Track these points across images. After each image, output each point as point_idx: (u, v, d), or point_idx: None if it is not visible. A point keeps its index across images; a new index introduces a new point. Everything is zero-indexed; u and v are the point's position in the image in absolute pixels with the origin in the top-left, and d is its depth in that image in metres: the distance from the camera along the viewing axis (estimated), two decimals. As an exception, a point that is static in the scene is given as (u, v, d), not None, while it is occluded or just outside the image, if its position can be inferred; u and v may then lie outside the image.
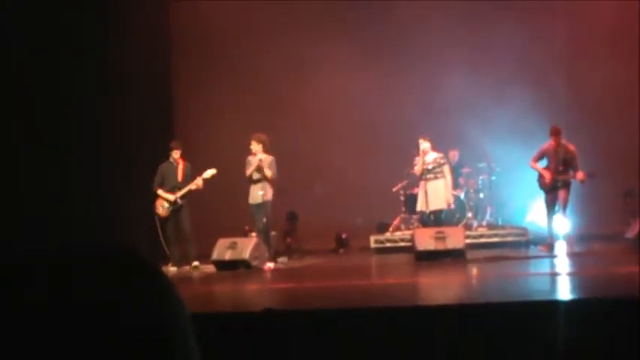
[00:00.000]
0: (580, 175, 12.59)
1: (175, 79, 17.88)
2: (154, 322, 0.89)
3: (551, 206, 12.95)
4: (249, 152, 13.16)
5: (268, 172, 12.96)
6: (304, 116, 16.91)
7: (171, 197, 13.31)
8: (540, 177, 12.94)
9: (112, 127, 14.31)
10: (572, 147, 12.79)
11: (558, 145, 12.71)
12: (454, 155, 16.04)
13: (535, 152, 13.00)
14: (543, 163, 12.97)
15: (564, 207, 12.83)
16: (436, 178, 13.50)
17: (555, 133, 12.73)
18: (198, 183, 13.26)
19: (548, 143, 12.86)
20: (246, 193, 13.25)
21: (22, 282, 0.85)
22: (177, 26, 17.81)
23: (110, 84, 14.29)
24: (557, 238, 13.13)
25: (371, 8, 16.99)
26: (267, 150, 13.11)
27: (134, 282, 0.91)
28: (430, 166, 13.48)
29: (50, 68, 12.86)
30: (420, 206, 13.75)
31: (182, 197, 13.31)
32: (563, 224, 13.08)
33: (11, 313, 0.83)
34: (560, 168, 12.72)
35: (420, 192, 13.80)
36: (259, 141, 13.06)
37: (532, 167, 13.03)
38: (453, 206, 14.41)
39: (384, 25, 16.89)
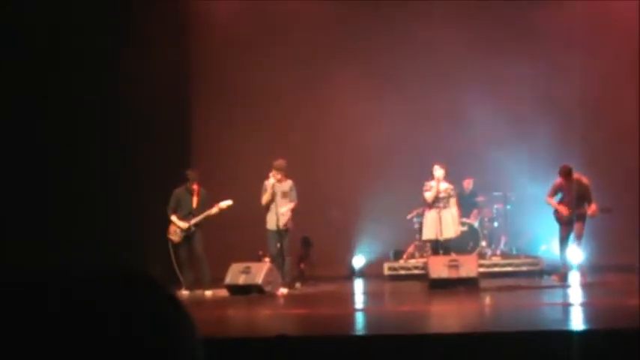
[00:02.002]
0: (592, 209, 12.58)
1: (194, 104, 17.96)
2: (164, 346, 0.91)
3: (565, 238, 12.93)
4: (263, 177, 13.21)
5: (292, 197, 13.11)
6: (320, 142, 16.94)
7: (184, 225, 13.34)
8: (557, 211, 12.92)
9: (127, 151, 14.38)
10: (585, 180, 12.78)
11: (571, 179, 12.70)
12: (469, 183, 16.03)
13: (549, 188, 13.01)
14: (558, 196, 12.98)
15: (579, 239, 12.80)
16: (445, 207, 13.43)
17: (565, 173, 12.72)
18: (213, 211, 13.31)
19: (561, 178, 12.87)
20: (259, 218, 13.29)
21: (39, 300, 0.89)
22: (198, 52, 17.91)
23: (129, 109, 14.38)
24: (570, 269, 13.11)
25: (389, 35, 17.03)
26: (286, 175, 13.20)
27: (148, 305, 0.93)
28: (442, 195, 13.44)
29: (66, 93, 12.97)
30: (430, 234, 13.60)
31: (196, 224, 13.35)
32: (577, 255, 13.05)
33: (29, 329, 0.86)
34: (576, 201, 12.71)
35: (428, 219, 13.64)
36: (282, 169, 13.13)
37: (548, 203, 13.02)
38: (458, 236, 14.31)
39: (402, 52, 16.92)
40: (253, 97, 17.05)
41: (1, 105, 11.62)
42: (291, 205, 13.16)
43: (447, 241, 13.41)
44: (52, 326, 0.86)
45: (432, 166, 13.45)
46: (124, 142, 14.24)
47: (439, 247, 13.43)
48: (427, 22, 16.60)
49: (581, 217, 12.72)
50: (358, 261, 16.77)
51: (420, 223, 15.44)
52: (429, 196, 13.50)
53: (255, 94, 17.04)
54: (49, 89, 12.59)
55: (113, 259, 1.00)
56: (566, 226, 12.86)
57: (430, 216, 13.55)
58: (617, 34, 16.03)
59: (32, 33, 12.21)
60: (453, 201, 13.58)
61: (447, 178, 13.57)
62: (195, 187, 13.53)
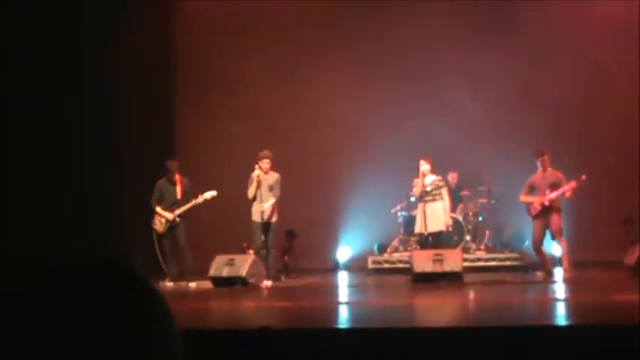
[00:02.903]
0: (568, 194, 12.70)
1: (178, 95, 17.87)
2: (136, 333, 0.89)
3: (540, 234, 12.98)
4: (249, 168, 13.16)
5: (275, 192, 13.04)
6: (305, 134, 16.89)
7: (169, 216, 13.30)
8: (529, 205, 13.04)
9: (112, 142, 14.34)
10: (559, 173, 12.94)
11: (545, 170, 12.87)
12: (453, 177, 16.02)
13: (524, 187, 13.16)
14: (532, 194, 13.13)
15: (559, 232, 12.83)
16: (434, 200, 13.43)
17: (541, 154, 12.94)
18: (198, 201, 13.28)
19: (534, 174, 13.03)
20: (244, 210, 13.24)
21: (21, 283, 0.87)
22: (181, 43, 17.82)
23: (113, 101, 14.34)
24: (554, 264, 13.15)
25: (377, 29, 17.02)
26: (272, 166, 13.16)
27: (121, 292, 0.91)
28: (429, 188, 13.43)
29: (51, 84, 12.91)
30: (418, 228, 13.66)
31: (179, 215, 13.32)
32: (560, 250, 13.09)
33: (10, 314, 0.84)
34: (549, 191, 12.82)
35: (418, 214, 13.72)
36: (268, 157, 13.08)
37: (522, 201, 13.16)
38: (450, 229, 14.36)
39: (391, 47, 16.91)
40: (238, 88, 17.01)
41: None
42: (273, 201, 13.10)
43: (433, 234, 13.40)
44: (25, 314, 0.84)
45: (418, 162, 13.46)
46: (107, 133, 14.20)
47: (426, 241, 13.42)
48: (417, 16, 16.60)
49: (557, 210, 12.81)
50: (343, 254, 16.78)
51: (404, 217, 15.51)
52: (415, 191, 13.56)
53: (240, 85, 17.00)
54: (31, 82, 12.52)
55: (96, 250, 0.98)
56: (540, 220, 12.94)
57: (418, 210, 13.60)
58: (606, 31, 16.04)
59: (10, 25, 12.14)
60: (444, 191, 13.58)
61: (434, 171, 13.60)
62: (177, 177, 13.48)
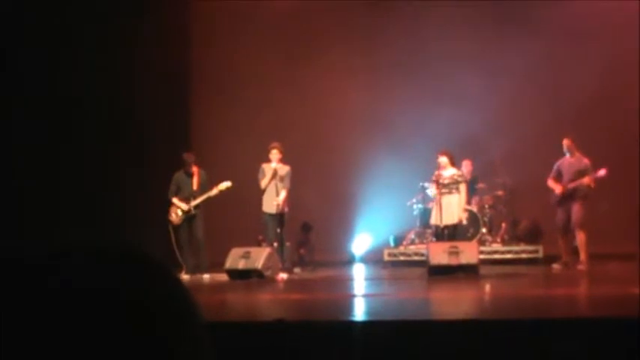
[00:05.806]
0: (587, 179, 12.61)
1: (193, 87, 17.92)
2: (162, 323, 0.88)
3: (563, 223, 12.90)
4: (264, 160, 13.19)
5: (286, 184, 13.07)
6: (320, 126, 16.90)
7: (185, 206, 13.37)
8: (553, 191, 12.98)
9: (129, 137, 14.41)
10: (586, 160, 12.84)
11: (572, 155, 12.81)
12: (467, 165, 15.87)
13: (552, 171, 13.08)
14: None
15: (579, 222, 12.74)
16: (450, 193, 13.41)
17: (565, 138, 12.92)
18: (213, 193, 13.34)
19: (562, 159, 12.94)
20: (259, 203, 13.27)
21: (32, 275, 0.86)
22: (197, 38, 17.84)
23: (128, 94, 14.41)
24: (571, 256, 13.09)
25: (385, 24, 16.99)
26: (283, 159, 13.19)
27: (146, 281, 0.91)
28: (446, 182, 13.41)
29: (68, 83, 12.98)
30: (433, 220, 13.65)
31: (196, 206, 13.38)
32: (577, 241, 13.00)
33: (22, 306, 0.84)
34: (573, 177, 12.76)
35: (434, 206, 13.71)
36: (280, 150, 13.12)
37: (548, 185, 13.08)
38: (464, 222, 14.26)
39: (404, 35, 16.88)
40: (252, 82, 17.00)
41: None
42: (284, 194, 13.14)
43: (449, 227, 13.37)
44: (46, 305, 0.84)
45: (436, 155, 13.46)
46: (124, 126, 14.26)
47: (442, 233, 13.40)
48: (434, 5, 16.54)
49: (580, 199, 12.73)
50: (359, 246, 16.78)
51: (420, 210, 15.47)
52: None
53: (253, 79, 17.00)
54: (47, 80, 12.57)
55: (114, 242, 0.97)
56: (562, 208, 12.86)
57: (435, 202, 13.58)
58: (624, 23, 15.94)
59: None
60: (462, 187, 13.52)
61: (455, 164, 13.62)
62: (193, 169, 13.56)
